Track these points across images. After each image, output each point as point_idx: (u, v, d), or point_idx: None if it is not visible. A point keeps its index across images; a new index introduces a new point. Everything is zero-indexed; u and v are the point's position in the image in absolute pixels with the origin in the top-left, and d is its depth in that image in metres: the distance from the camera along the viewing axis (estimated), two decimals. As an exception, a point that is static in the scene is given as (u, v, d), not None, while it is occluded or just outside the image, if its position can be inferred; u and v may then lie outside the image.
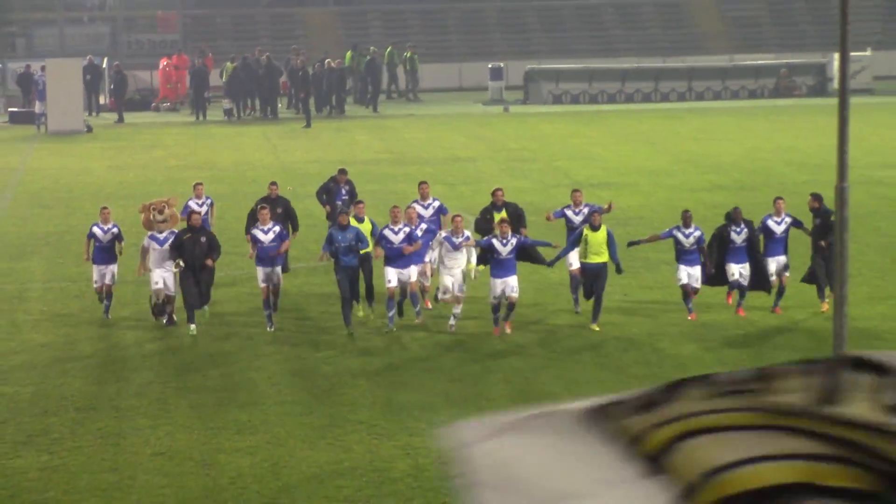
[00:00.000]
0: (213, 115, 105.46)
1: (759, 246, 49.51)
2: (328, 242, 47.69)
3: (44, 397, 44.06)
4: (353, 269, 46.65)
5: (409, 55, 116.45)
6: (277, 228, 48.54)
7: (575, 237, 49.88)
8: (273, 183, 55.04)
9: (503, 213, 49.69)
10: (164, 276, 44.73)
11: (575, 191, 51.61)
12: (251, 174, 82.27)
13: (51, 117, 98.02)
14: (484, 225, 49.78)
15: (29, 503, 37.11)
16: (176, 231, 45.51)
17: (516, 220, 50.49)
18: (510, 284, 47.77)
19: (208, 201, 52.92)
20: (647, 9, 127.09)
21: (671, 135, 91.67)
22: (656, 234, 49.13)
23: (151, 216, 42.48)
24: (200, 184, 53.85)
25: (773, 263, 48.38)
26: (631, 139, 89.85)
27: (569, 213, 49.49)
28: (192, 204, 51.24)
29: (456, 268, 47.28)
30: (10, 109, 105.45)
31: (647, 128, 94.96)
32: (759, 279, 49.11)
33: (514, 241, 48.62)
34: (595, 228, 47.16)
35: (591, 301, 48.36)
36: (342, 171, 61.57)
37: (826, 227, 46.77)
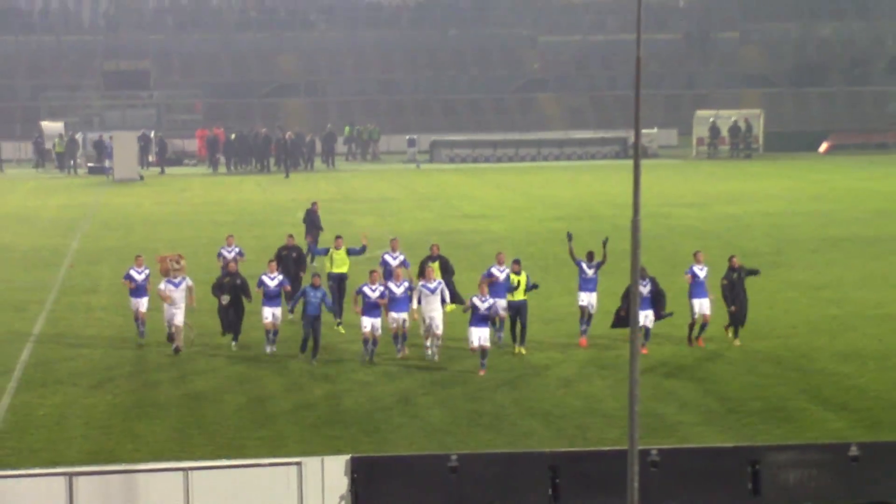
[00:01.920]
0: (221, 169, 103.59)
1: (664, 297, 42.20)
2: (301, 295, 41.50)
3: (108, 357, 41.86)
4: (316, 318, 40.05)
5: (373, 128, 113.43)
6: (281, 277, 42.74)
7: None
8: (290, 235, 49.42)
9: (437, 264, 44.08)
10: (174, 313, 40.60)
11: (499, 253, 44.14)
12: (249, 208, 79.55)
13: (116, 170, 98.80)
14: (424, 269, 43.00)
15: (111, 428, 34.28)
16: (185, 277, 41.23)
17: (444, 269, 44.69)
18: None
19: (237, 249, 47.25)
20: (510, 99, 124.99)
21: (525, 184, 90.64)
22: (573, 254, 42.20)
23: (169, 265, 40.79)
24: (231, 235, 49.10)
25: (697, 304, 41.85)
26: (499, 186, 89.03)
27: (494, 270, 42.26)
28: (224, 252, 46.81)
29: (434, 310, 41.01)
30: (88, 164, 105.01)
31: (510, 179, 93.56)
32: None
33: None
34: (517, 273, 41.41)
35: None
36: (314, 203, 60.11)
37: (740, 280, 41.49)
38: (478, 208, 77.97)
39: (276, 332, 41.80)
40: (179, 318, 40.55)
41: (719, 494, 28.46)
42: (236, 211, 78.33)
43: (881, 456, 29.38)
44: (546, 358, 40.97)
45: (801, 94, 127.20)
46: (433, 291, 40.93)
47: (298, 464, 28.17)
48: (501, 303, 41.72)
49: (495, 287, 41.88)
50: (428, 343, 41.26)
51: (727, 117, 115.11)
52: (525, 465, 29.29)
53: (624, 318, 40.55)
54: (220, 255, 47.10)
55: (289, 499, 27.83)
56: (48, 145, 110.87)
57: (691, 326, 41.92)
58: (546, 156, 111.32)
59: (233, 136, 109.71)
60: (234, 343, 42.02)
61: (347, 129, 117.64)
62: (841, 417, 34.86)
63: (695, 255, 43.64)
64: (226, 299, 41.79)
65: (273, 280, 41.73)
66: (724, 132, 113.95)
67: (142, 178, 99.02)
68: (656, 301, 41.36)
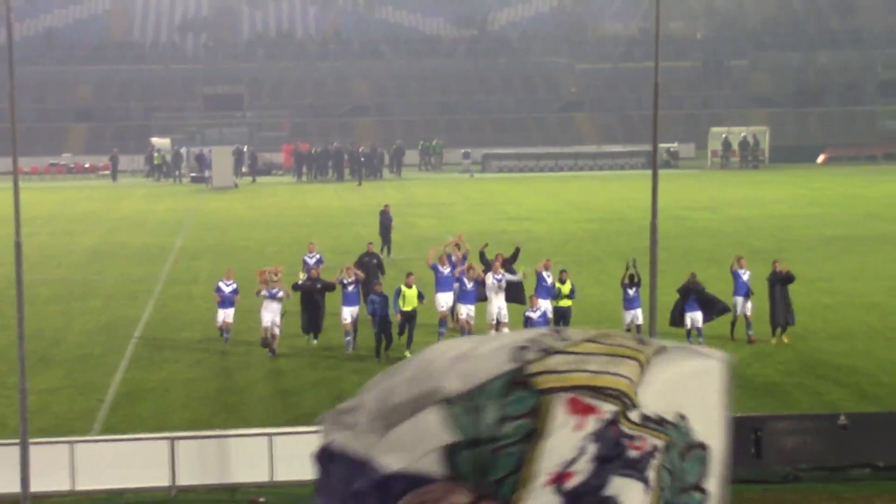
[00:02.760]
0: (304, 179, 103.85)
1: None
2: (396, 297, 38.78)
3: (205, 339, 42.00)
4: (384, 319, 37.77)
5: (437, 143, 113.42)
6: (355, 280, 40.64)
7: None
8: (370, 243, 47.96)
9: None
10: (272, 319, 39.00)
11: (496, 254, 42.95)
12: (327, 212, 79.22)
13: (214, 179, 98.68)
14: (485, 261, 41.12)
15: (207, 399, 35.50)
16: (280, 288, 39.42)
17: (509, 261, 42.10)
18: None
19: (318, 256, 45.72)
20: (551, 118, 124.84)
21: (563, 190, 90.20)
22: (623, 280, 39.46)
23: (268, 276, 39.71)
24: (313, 243, 47.77)
25: (740, 303, 40.24)
26: (541, 193, 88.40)
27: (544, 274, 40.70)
28: (307, 259, 45.22)
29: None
30: (191, 174, 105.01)
31: (550, 187, 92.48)
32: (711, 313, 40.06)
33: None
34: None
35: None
36: (386, 205, 60.40)
37: (785, 283, 39.68)
38: (522, 212, 77.65)
39: (354, 331, 40.01)
40: (276, 323, 39.22)
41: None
42: (316, 214, 78.34)
43: (867, 424, 29.46)
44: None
45: (801, 114, 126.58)
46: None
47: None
48: (545, 304, 39.93)
49: (539, 290, 40.50)
50: None
51: (738, 133, 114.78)
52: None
53: (677, 317, 39.59)
54: (303, 261, 45.63)
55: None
56: (155, 160, 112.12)
57: (733, 323, 40.50)
58: (581, 167, 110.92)
59: (314, 150, 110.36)
60: (315, 341, 40.57)
61: (421, 143, 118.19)
62: (832, 391, 34.96)
63: (738, 259, 42.14)
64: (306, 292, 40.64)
65: (350, 282, 39.99)
66: (735, 146, 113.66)
67: (236, 185, 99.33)
68: (705, 304, 39.54)
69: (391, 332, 38.94)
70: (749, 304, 40.64)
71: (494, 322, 39.60)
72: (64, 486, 27.23)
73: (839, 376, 36.38)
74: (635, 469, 5.76)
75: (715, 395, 5.88)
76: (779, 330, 40.23)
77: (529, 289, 40.67)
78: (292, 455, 27.69)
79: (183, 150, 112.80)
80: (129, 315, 46.33)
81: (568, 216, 74.99)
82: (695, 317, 39.54)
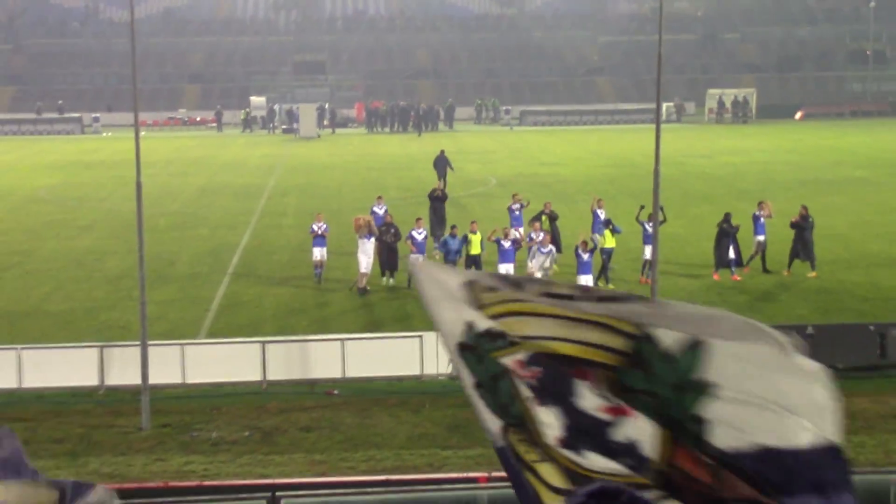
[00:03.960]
0: (375, 132, 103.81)
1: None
2: (442, 245, 37.85)
3: (292, 261, 41.98)
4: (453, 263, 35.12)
5: (495, 100, 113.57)
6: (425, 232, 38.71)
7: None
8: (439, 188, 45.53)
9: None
10: (365, 261, 36.81)
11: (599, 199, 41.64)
12: (393, 157, 79.47)
13: (301, 131, 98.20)
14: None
15: (293, 311, 35.40)
16: (371, 234, 37.24)
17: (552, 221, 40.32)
18: None
19: (385, 207, 42.23)
20: (577, 81, 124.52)
21: (586, 141, 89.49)
22: (639, 218, 37.19)
23: (362, 223, 38.53)
24: (380, 196, 44.27)
25: (757, 239, 38.69)
26: (567, 143, 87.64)
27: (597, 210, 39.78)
28: (376, 209, 42.22)
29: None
30: (283, 127, 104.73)
31: (575, 138, 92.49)
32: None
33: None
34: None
35: None
36: (442, 150, 60.33)
37: (806, 226, 38.51)
38: (552, 158, 77.27)
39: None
40: (366, 266, 37.32)
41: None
42: (384, 160, 78.07)
43: (829, 334, 29.25)
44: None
45: (782, 78, 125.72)
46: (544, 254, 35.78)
47: (420, 336, 28.57)
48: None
49: (595, 226, 39.36)
50: None
51: (730, 94, 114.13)
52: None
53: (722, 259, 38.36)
54: (372, 211, 42.11)
55: (413, 362, 28.11)
56: (253, 114, 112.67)
57: (752, 256, 39.13)
58: (601, 121, 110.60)
59: (383, 107, 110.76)
60: (391, 280, 38.10)
61: (477, 101, 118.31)
62: (802, 306, 34.78)
63: (759, 204, 40.72)
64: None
65: (420, 234, 37.72)
66: (728, 105, 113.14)
67: (319, 136, 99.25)
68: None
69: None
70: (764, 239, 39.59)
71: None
72: (176, 379, 27.45)
73: (808, 295, 36.24)
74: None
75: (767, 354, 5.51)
76: (796, 262, 38.81)
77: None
78: (360, 356, 28.04)
79: (276, 107, 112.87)
80: (230, 241, 46.41)
81: (589, 162, 74.49)
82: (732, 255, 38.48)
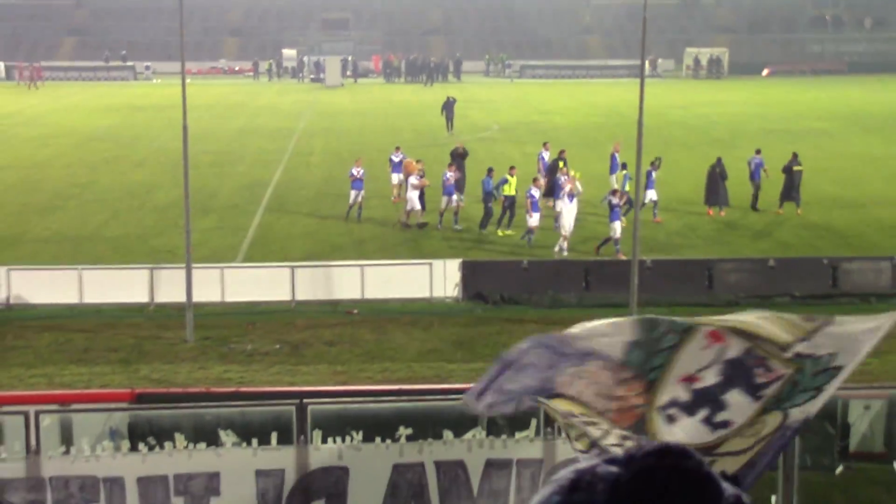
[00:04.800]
0: (391, 82, 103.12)
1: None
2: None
3: (320, 195, 41.73)
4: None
5: (504, 56, 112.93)
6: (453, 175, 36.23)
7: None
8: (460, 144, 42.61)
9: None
10: (414, 199, 35.62)
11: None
12: (406, 104, 78.14)
13: (327, 80, 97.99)
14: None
15: (319, 239, 35.25)
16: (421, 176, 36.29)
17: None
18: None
19: (403, 155, 39.75)
20: (571, 39, 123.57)
21: (578, 93, 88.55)
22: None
23: (414, 167, 37.38)
24: (398, 146, 41.18)
25: (754, 183, 38.82)
26: (561, 94, 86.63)
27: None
28: (393, 157, 40.04)
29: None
30: (311, 77, 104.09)
31: (569, 90, 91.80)
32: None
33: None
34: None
35: None
36: (450, 97, 60.46)
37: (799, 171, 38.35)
38: (548, 107, 76.75)
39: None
40: (416, 204, 36.03)
41: (687, 287, 28.48)
42: (399, 107, 77.46)
43: (789, 266, 29.29)
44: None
45: (752, 39, 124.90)
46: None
47: (430, 264, 28.62)
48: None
49: (613, 168, 38.46)
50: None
51: (705, 53, 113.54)
52: (568, 268, 29.53)
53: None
54: (390, 159, 40.64)
55: (424, 286, 28.11)
56: (285, 65, 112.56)
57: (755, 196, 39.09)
58: (592, 75, 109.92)
59: (398, 60, 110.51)
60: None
61: (487, 56, 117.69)
62: (764, 241, 34.81)
63: (757, 151, 40.46)
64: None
65: (450, 178, 35.88)
66: (703, 62, 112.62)
67: (342, 85, 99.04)
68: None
69: (492, 210, 35.60)
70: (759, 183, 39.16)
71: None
72: (216, 298, 27.46)
73: (771, 231, 36.19)
74: (753, 388, 6.41)
75: (868, 341, 6.24)
76: (786, 204, 38.52)
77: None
78: (378, 280, 28.04)
79: (305, 59, 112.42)
80: (264, 177, 46.34)
81: (580, 111, 74.03)
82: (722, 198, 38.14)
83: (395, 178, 40.20)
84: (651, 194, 36.76)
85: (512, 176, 35.78)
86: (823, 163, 49.74)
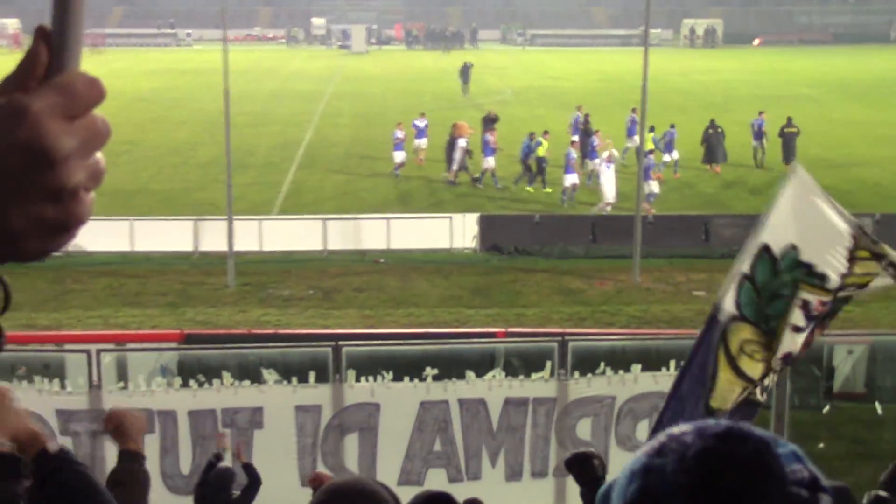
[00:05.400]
0: (412, 49, 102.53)
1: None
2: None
3: (349, 153, 41.89)
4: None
5: (518, 25, 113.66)
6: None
7: None
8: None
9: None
10: (461, 159, 35.19)
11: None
12: (426, 70, 77.49)
13: (353, 47, 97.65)
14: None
15: (346, 193, 35.13)
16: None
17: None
18: None
19: (426, 122, 38.99)
20: (579, 10, 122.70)
21: (585, 60, 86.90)
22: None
23: (466, 128, 37.13)
24: (423, 113, 40.13)
25: (756, 143, 39.30)
26: (570, 61, 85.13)
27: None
28: (417, 122, 38.93)
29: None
30: (338, 44, 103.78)
31: (575, 57, 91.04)
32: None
33: None
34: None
35: None
36: (467, 62, 58.73)
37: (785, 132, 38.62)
38: (557, 73, 76.22)
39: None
40: (457, 163, 35.62)
41: (685, 240, 28.42)
42: (419, 72, 76.83)
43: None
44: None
45: (744, 11, 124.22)
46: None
47: (450, 217, 28.63)
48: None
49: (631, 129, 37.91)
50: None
51: (702, 24, 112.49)
52: (577, 223, 29.52)
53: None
54: (413, 125, 39.10)
55: (444, 237, 28.06)
56: (314, 32, 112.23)
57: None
58: (597, 44, 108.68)
59: (417, 30, 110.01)
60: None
61: (503, 27, 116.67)
62: (757, 199, 34.60)
63: (760, 112, 40.32)
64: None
65: (490, 140, 35.15)
66: (699, 32, 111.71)
67: (367, 51, 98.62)
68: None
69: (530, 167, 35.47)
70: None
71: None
72: (255, 247, 27.37)
73: (763, 188, 35.77)
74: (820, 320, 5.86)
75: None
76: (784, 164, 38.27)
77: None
78: (402, 232, 27.91)
79: (332, 27, 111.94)
80: (296, 137, 46.19)
81: (587, 77, 73.45)
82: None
83: (420, 142, 39.23)
84: (675, 154, 37.39)
85: (545, 139, 35.57)
86: (811, 127, 49.11)
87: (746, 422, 1.67)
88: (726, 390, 5.90)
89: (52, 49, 1.27)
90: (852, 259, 5.81)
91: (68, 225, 1.25)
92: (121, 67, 78.61)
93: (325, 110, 55.29)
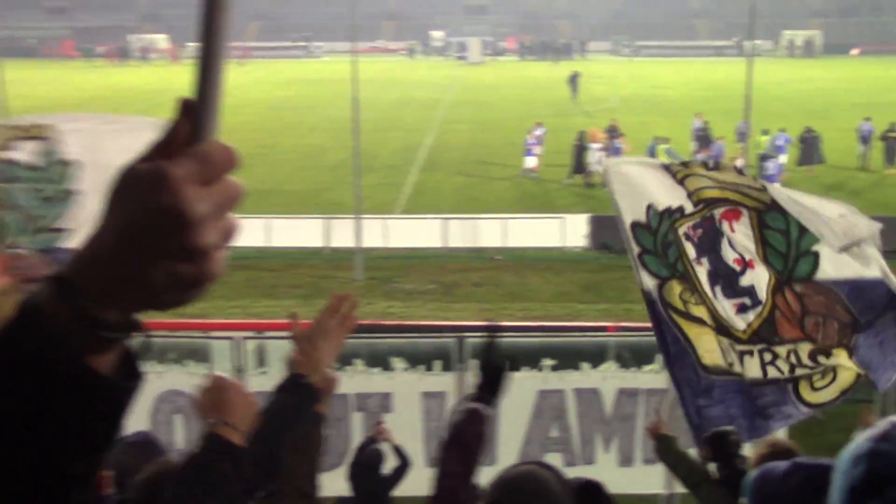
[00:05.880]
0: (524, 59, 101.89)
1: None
2: None
3: (467, 158, 41.71)
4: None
5: (623, 38, 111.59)
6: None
7: None
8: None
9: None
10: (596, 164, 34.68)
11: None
12: (537, 79, 75.90)
13: (469, 57, 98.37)
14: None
15: (469, 198, 35.37)
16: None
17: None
18: None
19: (544, 129, 38.86)
20: (682, 22, 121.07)
21: (689, 70, 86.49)
22: None
23: (599, 134, 37.12)
24: (541, 122, 39.74)
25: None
26: (673, 71, 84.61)
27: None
28: (537, 132, 38.07)
29: None
30: (456, 55, 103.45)
31: (678, 67, 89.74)
32: None
33: None
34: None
35: None
36: (574, 72, 57.59)
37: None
38: (661, 83, 74.72)
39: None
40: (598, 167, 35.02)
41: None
42: (532, 80, 76.09)
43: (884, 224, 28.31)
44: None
45: (842, 22, 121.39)
46: None
47: (563, 217, 28.40)
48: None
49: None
50: None
51: (800, 35, 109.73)
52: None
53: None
54: (533, 133, 38.39)
55: (557, 236, 27.86)
56: (434, 44, 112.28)
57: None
58: (701, 55, 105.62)
59: (528, 41, 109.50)
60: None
61: (613, 39, 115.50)
62: (859, 199, 33.58)
63: (866, 118, 39.64)
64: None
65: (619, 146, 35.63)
66: (798, 43, 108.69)
67: (483, 62, 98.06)
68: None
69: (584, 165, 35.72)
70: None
71: None
72: (380, 244, 27.40)
73: (866, 190, 34.36)
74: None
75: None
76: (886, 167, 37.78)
77: None
78: (518, 231, 27.78)
79: (451, 40, 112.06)
80: (418, 141, 46.25)
81: (689, 86, 71.87)
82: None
83: (539, 149, 38.78)
84: (783, 158, 36.97)
85: (668, 144, 35.75)
86: (908, 133, 48.05)
87: (783, 398, 1.63)
88: (705, 343, 6.39)
89: (193, 120, 1.31)
90: (681, 182, 6.47)
91: (201, 281, 1.29)
92: (258, 78, 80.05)
93: (445, 117, 55.24)
